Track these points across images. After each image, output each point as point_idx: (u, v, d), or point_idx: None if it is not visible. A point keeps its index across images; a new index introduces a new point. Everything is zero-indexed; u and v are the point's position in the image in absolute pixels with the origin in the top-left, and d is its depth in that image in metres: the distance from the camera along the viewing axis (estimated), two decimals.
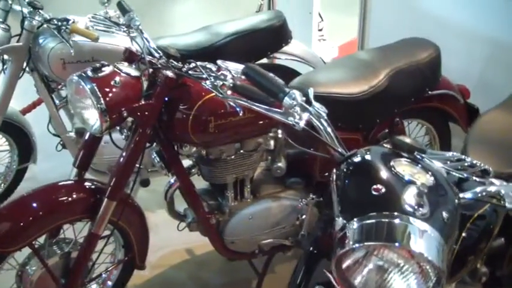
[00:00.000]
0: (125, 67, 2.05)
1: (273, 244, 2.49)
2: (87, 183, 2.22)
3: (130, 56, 2.15)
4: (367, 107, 2.47)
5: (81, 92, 2.01)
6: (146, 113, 2.05)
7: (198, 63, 2.07)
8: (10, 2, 2.84)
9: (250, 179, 2.42)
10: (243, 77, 2.09)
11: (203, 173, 2.38)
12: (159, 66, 2.10)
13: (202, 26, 3.13)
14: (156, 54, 2.17)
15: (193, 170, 2.38)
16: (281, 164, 2.43)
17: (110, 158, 2.99)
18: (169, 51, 2.13)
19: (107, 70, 2.00)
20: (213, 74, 2.01)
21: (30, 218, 2.06)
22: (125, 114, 2.00)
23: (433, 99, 2.76)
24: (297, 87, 1.64)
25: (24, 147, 3.15)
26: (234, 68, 2.17)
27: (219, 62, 2.16)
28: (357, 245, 1.26)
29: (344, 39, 5.20)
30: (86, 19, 2.86)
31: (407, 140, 1.46)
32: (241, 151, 2.33)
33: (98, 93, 1.93)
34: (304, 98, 1.56)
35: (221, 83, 1.95)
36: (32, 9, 2.76)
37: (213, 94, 2.06)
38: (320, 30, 3.87)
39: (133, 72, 2.05)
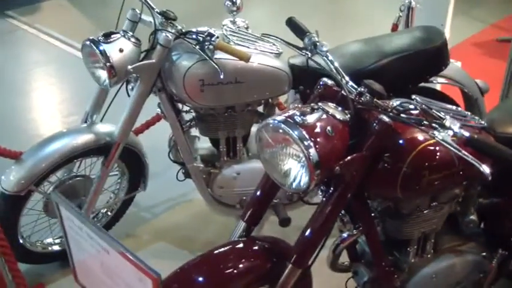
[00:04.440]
0: (331, 109, 1.65)
1: None
2: (258, 244, 1.83)
3: (327, 92, 1.76)
4: None
5: (280, 138, 1.62)
6: (357, 166, 1.65)
7: (422, 104, 1.69)
8: (139, 12, 2.45)
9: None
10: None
11: (387, 227, 2.00)
12: (364, 107, 1.70)
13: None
14: (352, 89, 1.78)
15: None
16: (473, 216, 2.08)
17: (241, 192, 2.63)
18: (374, 87, 1.73)
19: (317, 114, 1.61)
20: (438, 121, 1.63)
21: None
22: (338, 170, 1.61)
23: None
24: None
25: (136, 172, 2.77)
26: (439, 107, 1.80)
27: (417, 98, 1.79)
28: None
29: None
30: (219, 32, 2.47)
31: None
32: (434, 203, 1.95)
33: (310, 142, 1.54)
34: None
35: (450, 132, 1.58)
36: (164, 20, 2.37)
37: (428, 143, 1.71)
38: None
39: (340, 116, 1.65)
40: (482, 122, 1.94)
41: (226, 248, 1.79)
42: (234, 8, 2.60)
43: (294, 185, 1.63)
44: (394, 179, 1.72)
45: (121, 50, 2.27)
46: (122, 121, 2.45)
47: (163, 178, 3.18)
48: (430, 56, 2.59)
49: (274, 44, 2.53)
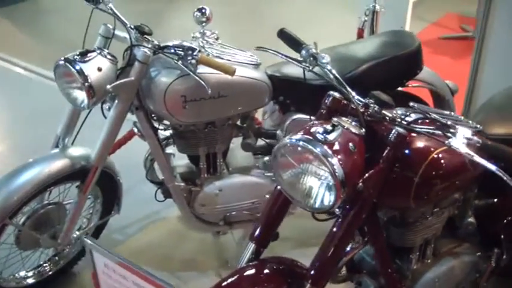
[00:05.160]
0: (347, 124, 1.61)
1: None
2: (269, 266, 1.76)
3: (334, 105, 1.71)
4: None
5: (301, 157, 1.56)
6: (375, 180, 1.62)
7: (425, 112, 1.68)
8: (111, 27, 2.32)
9: None
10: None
11: (391, 236, 1.98)
12: (373, 119, 1.67)
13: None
14: (358, 101, 1.74)
15: None
16: (471, 219, 2.11)
17: (224, 208, 2.55)
18: (382, 98, 1.71)
19: (337, 130, 1.56)
20: (451, 129, 1.62)
21: None
22: (361, 187, 1.57)
23: None
24: None
25: (110, 195, 2.63)
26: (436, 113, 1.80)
27: (415, 105, 1.78)
28: None
29: None
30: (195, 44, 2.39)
31: None
32: (436, 209, 1.95)
33: (335, 159, 1.50)
34: None
35: (465, 140, 1.58)
36: (139, 34, 2.26)
37: (438, 151, 1.70)
38: None
39: (356, 130, 1.61)
40: (478, 126, 1.95)
41: (237, 276, 1.72)
42: (204, 19, 2.50)
43: (317, 204, 1.57)
44: (407, 190, 1.71)
45: (99, 69, 2.14)
46: (99, 143, 2.31)
47: (133, 196, 3.04)
48: (407, 60, 2.60)
49: (252, 55, 2.47)
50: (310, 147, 1.51)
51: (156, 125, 2.45)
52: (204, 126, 2.42)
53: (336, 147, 1.51)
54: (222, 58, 2.35)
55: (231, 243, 2.89)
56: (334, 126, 1.55)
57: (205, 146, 2.47)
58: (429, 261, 2.06)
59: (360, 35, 3.14)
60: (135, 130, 2.48)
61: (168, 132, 2.55)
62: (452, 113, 1.98)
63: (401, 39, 2.67)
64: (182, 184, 2.49)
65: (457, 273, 2.11)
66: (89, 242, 1.12)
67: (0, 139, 3.99)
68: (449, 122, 1.64)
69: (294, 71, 2.49)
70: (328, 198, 1.55)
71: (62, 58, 2.15)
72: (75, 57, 2.14)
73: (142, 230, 3.06)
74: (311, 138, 1.52)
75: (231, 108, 2.39)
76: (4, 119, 4.29)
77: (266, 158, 2.65)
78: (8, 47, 5.25)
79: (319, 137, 1.52)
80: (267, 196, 2.58)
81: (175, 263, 2.86)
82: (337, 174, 1.49)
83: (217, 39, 2.54)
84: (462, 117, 1.97)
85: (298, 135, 1.54)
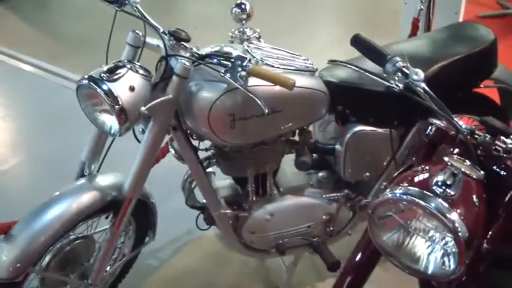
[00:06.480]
0: (462, 165, 1.26)
1: None
2: None
3: (438, 138, 1.37)
4: None
5: (408, 214, 1.22)
6: (497, 236, 1.29)
7: None
8: (141, 34, 1.97)
9: None
10: None
11: (493, 279, 1.65)
12: (485, 153, 1.33)
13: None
14: (461, 128, 1.39)
15: None
16: None
17: (276, 235, 2.23)
18: (495, 125, 1.36)
19: (456, 179, 1.21)
20: None
21: None
22: (485, 249, 1.24)
23: None
24: None
25: (143, 221, 2.31)
26: None
27: None
28: None
29: None
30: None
31: None
32: None
33: (460, 220, 1.16)
34: None
35: None
36: (174, 42, 1.90)
37: None
38: None
39: (474, 174, 1.26)
40: None
41: None
42: (244, 16, 2.14)
43: (431, 270, 1.24)
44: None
45: (131, 88, 1.78)
46: (132, 171, 1.97)
47: (162, 215, 2.71)
48: (484, 57, 2.23)
49: (306, 59, 2.12)
50: (426, 205, 1.16)
51: (195, 143, 2.11)
52: (252, 146, 2.08)
53: (459, 202, 1.17)
54: (272, 66, 1.99)
55: (278, 266, 2.58)
56: (454, 174, 1.20)
57: (254, 167, 2.12)
58: None
59: (415, 24, 2.77)
60: (172, 151, 2.14)
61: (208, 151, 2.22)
62: None
63: (473, 34, 2.29)
64: (229, 211, 2.16)
65: None
66: None
67: (22, 146, 3.69)
68: None
69: (353, 75, 2.14)
70: (448, 263, 1.22)
71: (86, 76, 1.79)
72: (102, 75, 1.78)
73: (177, 254, 2.74)
74: (426, 191, 1.18)
75: (286, 124, 2.04)
76: (22, 123, 3.97)
77: (320, 174, 2.31)
78: (13, 42, 4.94)
79: (438, 190, 1.17)
80: (324, 217, 2.26)
81: None
82: (461, 236, 1.16)
83: (259, 38, 2.19)
84: None
85: (405, 188, 1.20)
